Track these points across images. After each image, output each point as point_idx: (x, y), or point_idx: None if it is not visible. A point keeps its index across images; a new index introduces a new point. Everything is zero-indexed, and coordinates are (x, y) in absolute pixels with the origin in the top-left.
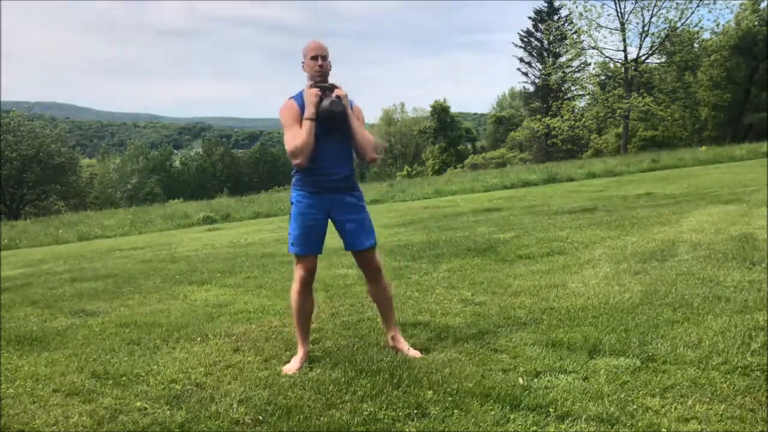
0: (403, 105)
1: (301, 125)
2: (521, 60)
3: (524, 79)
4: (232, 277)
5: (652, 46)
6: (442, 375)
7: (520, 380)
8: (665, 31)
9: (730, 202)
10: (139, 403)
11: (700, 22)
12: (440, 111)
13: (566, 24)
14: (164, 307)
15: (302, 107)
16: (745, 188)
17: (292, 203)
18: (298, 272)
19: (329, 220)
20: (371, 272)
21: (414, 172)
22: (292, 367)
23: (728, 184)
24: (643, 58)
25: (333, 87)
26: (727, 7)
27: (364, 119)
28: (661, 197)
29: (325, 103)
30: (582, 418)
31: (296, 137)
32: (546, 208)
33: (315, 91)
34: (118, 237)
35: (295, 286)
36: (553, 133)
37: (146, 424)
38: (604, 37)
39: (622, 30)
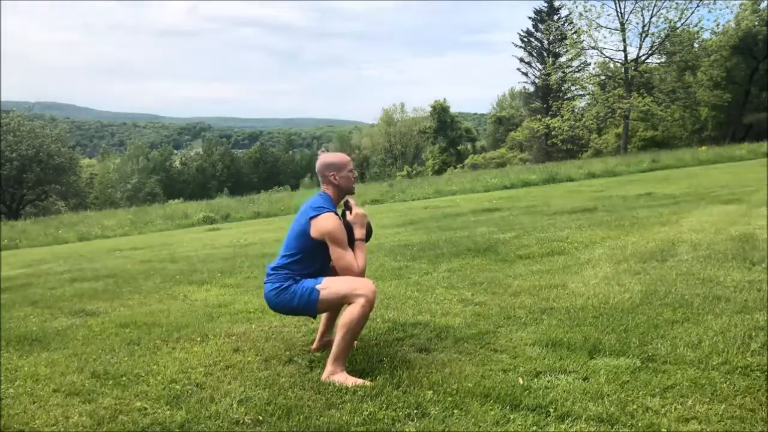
0: (403, 105)
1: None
2: (521, 60)
3: (524, 79)
4: (232, 277)
5: (652, 46)
6: (442, 375)
7: (520, 380)
8: (665, 31)
9: (730, 202)
10: (139, 403)
11: (700, 22)
12: (440, 111)
13: (566, 24)
14: (164, 307)
15: None
16: (745, 188)
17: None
18: (370, 289)
19: None
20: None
21: (414, 172)
22: (357, 380)
23: (728, 184)
24: (643, 58)
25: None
26: (727, 7)
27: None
28: (661, 197)
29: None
30: (582, 418)
31: (359, 259)
32: (546, 208)
33: (363, 212)
34: (118, 237)
35: (368, 309)
36: (553, 133)
37: (146, 424)
38: (604, 37)
39: (622, 30)
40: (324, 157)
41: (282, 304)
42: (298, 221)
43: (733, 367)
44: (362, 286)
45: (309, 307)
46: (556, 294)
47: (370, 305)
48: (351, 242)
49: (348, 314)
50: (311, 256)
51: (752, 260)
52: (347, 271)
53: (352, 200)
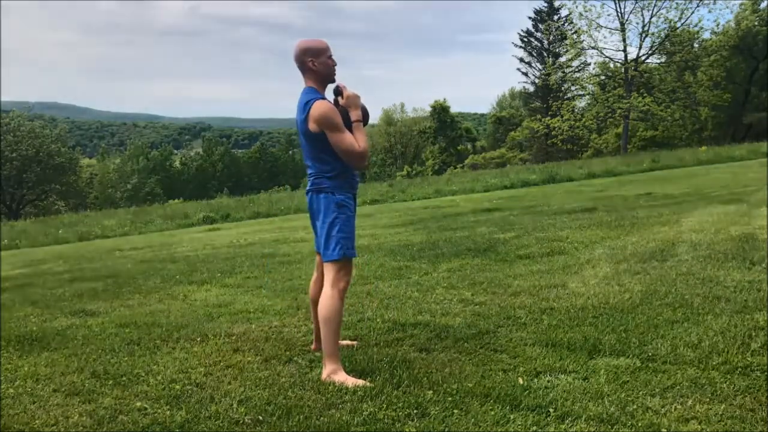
0: (403, 105)
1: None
2: (521, 60)
3: (524, 79)
4: (232, 277)
5: (652, 46)
6: (442, 375)
7: (520, 380)
8: (665, 31)
9: (730, 202)
10: (139, 403)
11: (700, 22)
12: (440, 111)
13: (566, 24)
14: (164, 307)
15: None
16: (745, 188)
17: (338, 205)
18: (344, 279)
19: None
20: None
21: (414, 172)
22: (357, 381)
23: (728, 184)
24: (643, 58)
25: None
26: (727, 7)
27: None
28: (661, 197)
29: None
30: (582, 418)
31: (360, 140)
32: (546, 208)
33: (356, 93)
34: (118, 237)
35: (338, 299)
36: (553, 133)
37: (146, 424)
38: (604, 37)
39: (622, 30)
40: (300, 42)
41: (323, 217)
42: (298, 127)
43: (733, 367)
44: (340, 282)
45: (330, 252)
46: (556, 294)
47: (339, 295)
48: (348, 128)
49: (321, 309)
50: (328, 156)
51: (752, 260)
52: (350, 154)
53: (341, 83)
